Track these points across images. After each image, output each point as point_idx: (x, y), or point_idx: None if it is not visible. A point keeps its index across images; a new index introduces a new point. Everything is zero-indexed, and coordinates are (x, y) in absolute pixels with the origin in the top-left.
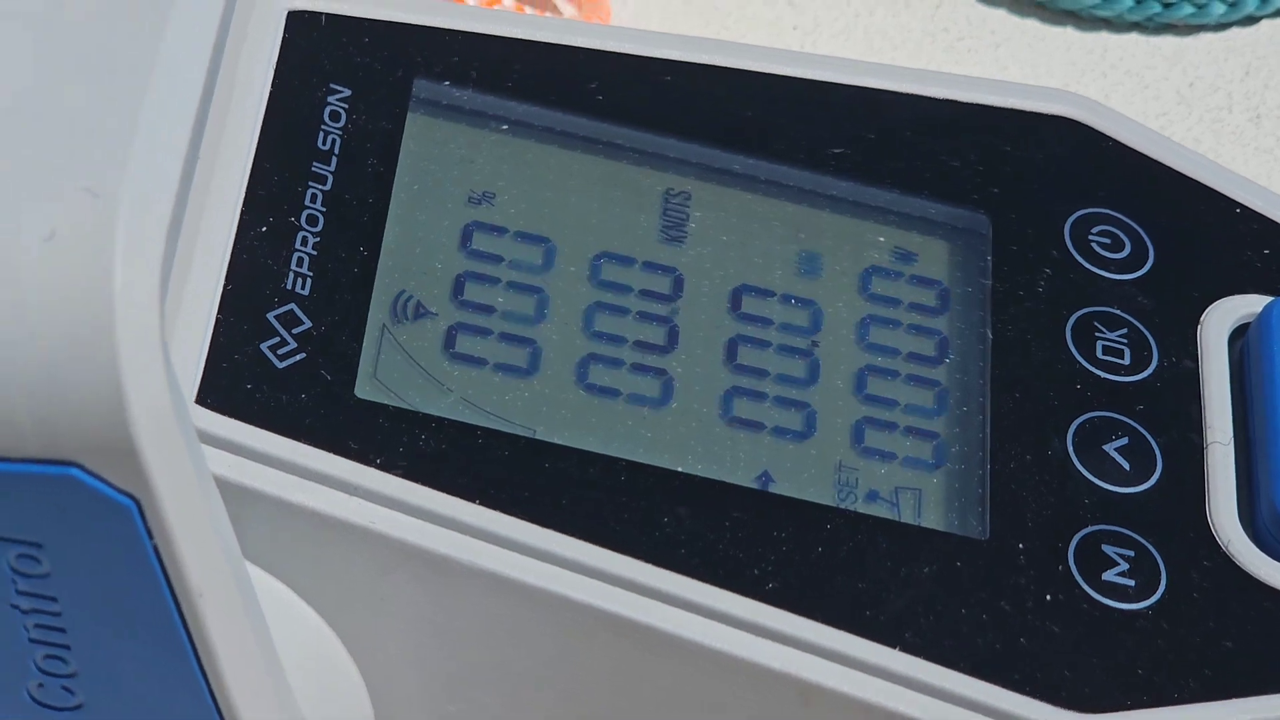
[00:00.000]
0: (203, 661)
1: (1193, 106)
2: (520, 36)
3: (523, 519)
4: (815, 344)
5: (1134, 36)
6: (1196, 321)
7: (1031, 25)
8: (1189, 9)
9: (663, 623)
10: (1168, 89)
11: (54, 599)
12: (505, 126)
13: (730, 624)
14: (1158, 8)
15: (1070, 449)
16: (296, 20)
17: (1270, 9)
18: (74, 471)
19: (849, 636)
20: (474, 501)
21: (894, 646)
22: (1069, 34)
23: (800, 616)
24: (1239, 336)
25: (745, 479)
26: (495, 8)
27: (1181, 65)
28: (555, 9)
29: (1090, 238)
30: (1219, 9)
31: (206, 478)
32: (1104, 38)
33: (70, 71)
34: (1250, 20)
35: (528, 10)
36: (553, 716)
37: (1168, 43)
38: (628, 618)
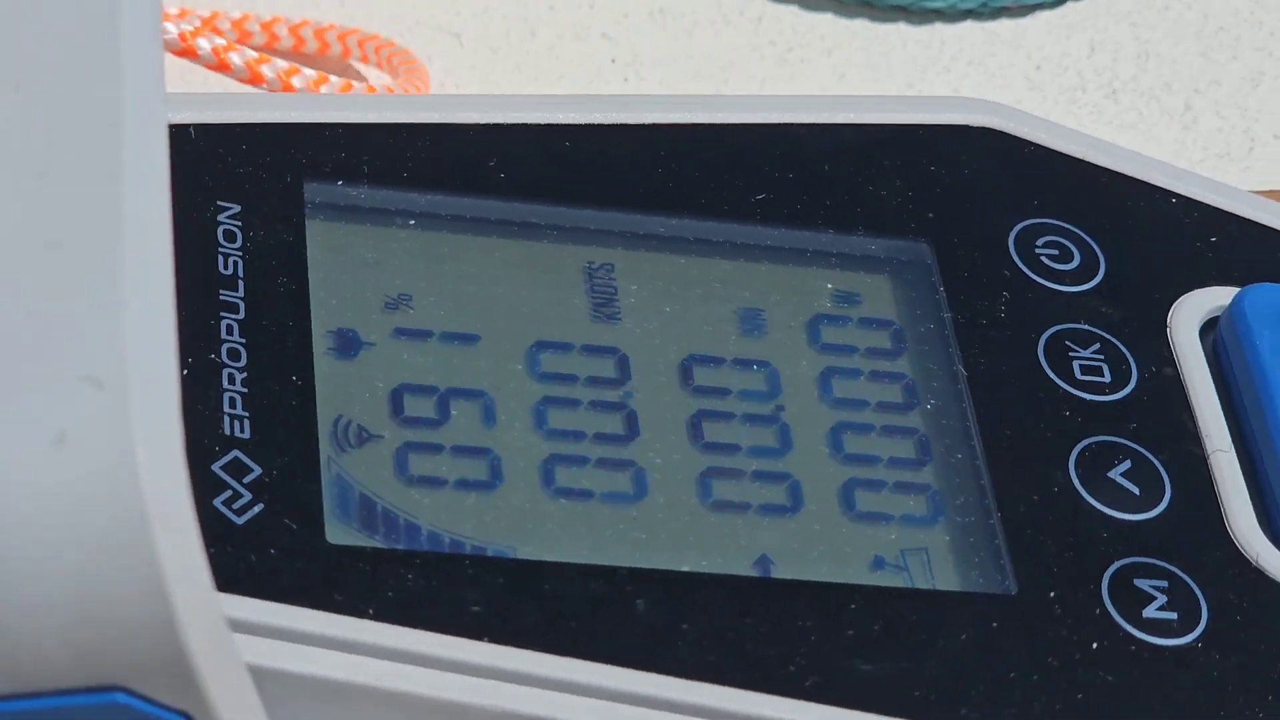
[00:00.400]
0: None
1: (1045, 90)
2: (403, 121)
3: (536, 650)
4: (780, 408)
5: (969, 25)
6: (1164, 324)
7: (861, 26)
8: None
9: None
10: (1015, 75)
11: None
12: (411, 221)
13: None
14: None
15: (1076, 482)
16: (173, 137)
17: None
18: (119, 697)
19: None
20: (481, 639)
21: None
22: (902, 30)
23: (851, 710)
24: (1209, 331)
25: (745, 567)
26: (325, 88)
27: (1024, 49)
28: (364, 80)
29: (1037, 251)
30: None
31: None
32: (939, 30)
33: (29, 237)
34: None
35: (332, 83)
36: None
37: (1005, 27)
38: None
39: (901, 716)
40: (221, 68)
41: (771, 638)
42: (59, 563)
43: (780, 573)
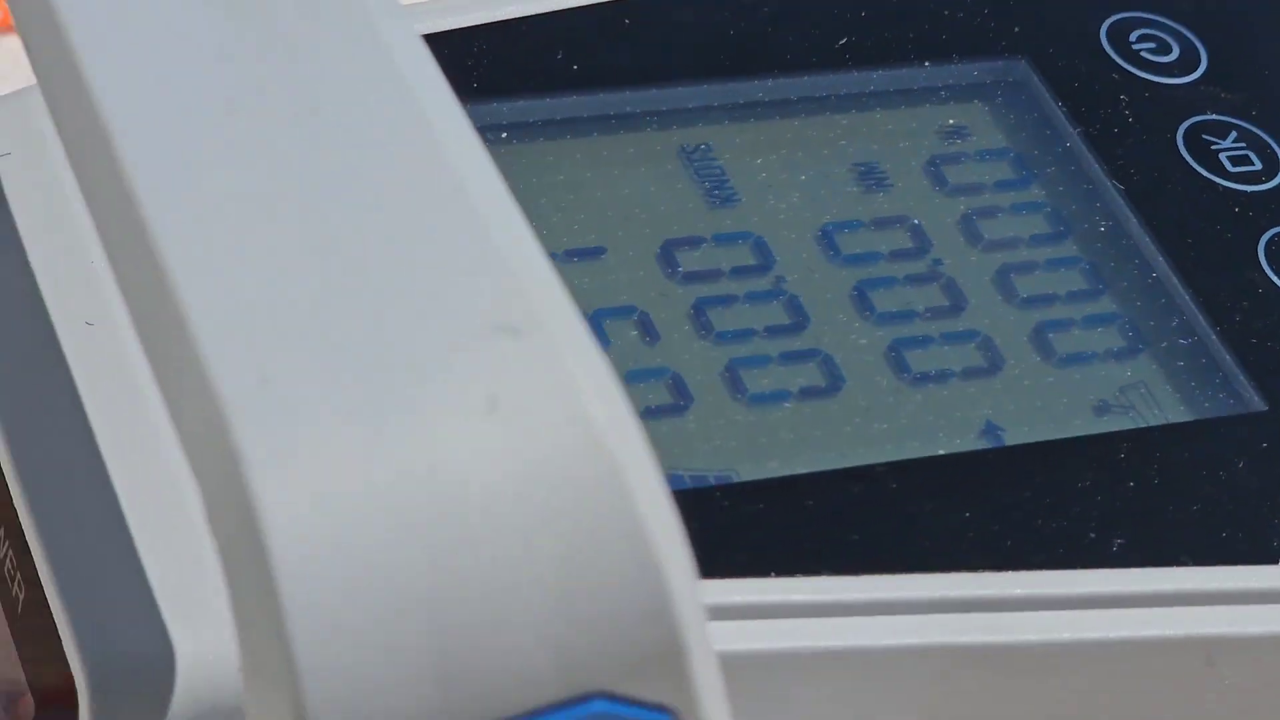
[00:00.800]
0: None
1: None
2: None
3: (819, 574)
4: (937, 262)
5: None
6: None
7: None
8: None
9: (1019, 634)
10: None
11: None
12: (502, 134)
13: (1101, 605)
14: None
15: (1270, 273)
16: None
17: None
18: (600, 705)
19: (1223, 570)
20: (765, 574)
21: (1260, 562)
22: None
23: (1168, 568)
24: None
25: (974, 439)
26: None
27: None
28: None
29: (1135, 47)
30: None
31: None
32: None
33: (365, 192)
34: None
35: None
36: None
37: None
38: (983, 643)
39: (1221, 562)
40: None
41: (1055, 507)
42: (532, 559)
43: (1013, 438)
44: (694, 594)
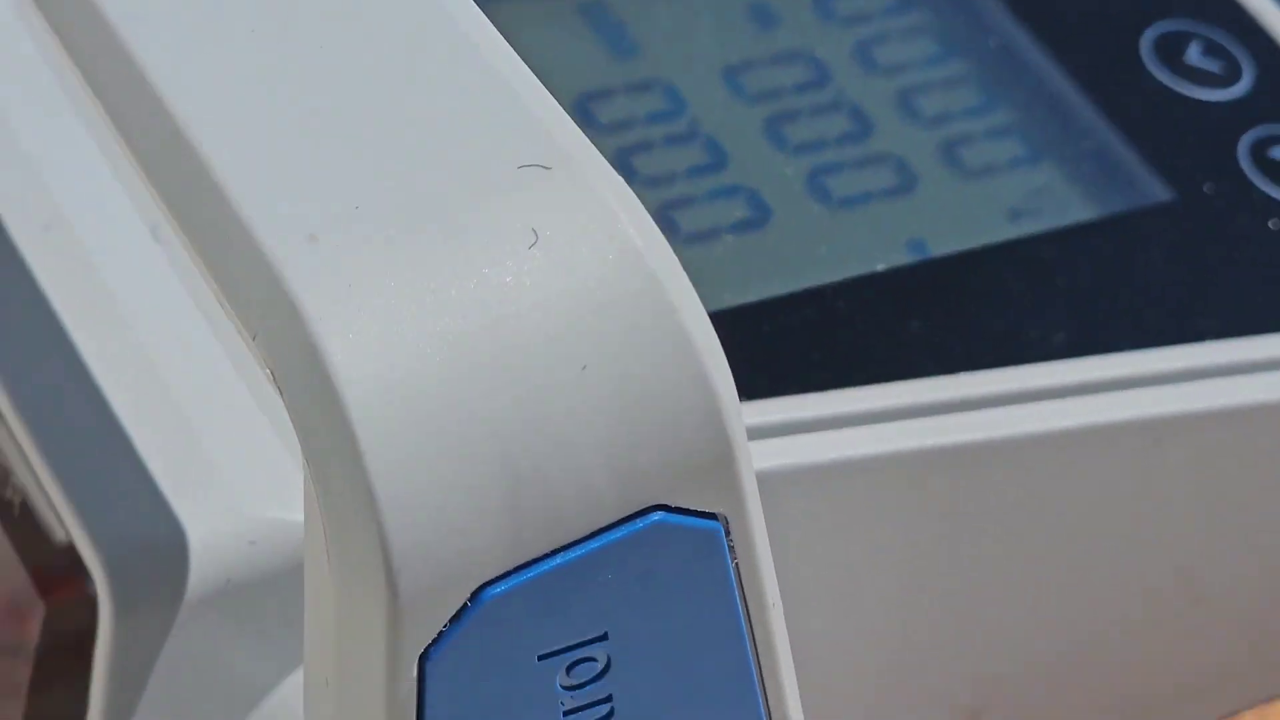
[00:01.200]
0: (765, 677)
1: None
2: None
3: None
4: (840, 91)
5: None
6: None
7: None
8: None
9: (979, 432)
10: None
11: (608, 699)
12: None
13: (1049, 397)
14: None
15: (1156, 71)
16: None
17: None
18: (657, 517)
19: (1141, 354)
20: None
21: (1193, 340)
22: None
23: (1109, 354)
24: None
25: (898, 255)
26: None
27: None
28: None
29: None
30: None
31: None
32: None
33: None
34: None
35: None
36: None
37: None
38: (946, 444)
39: (1159, 344)
40: None
41: (990, 312)
42: (588, 380)
43: (937, 250)
44: (737, 403)
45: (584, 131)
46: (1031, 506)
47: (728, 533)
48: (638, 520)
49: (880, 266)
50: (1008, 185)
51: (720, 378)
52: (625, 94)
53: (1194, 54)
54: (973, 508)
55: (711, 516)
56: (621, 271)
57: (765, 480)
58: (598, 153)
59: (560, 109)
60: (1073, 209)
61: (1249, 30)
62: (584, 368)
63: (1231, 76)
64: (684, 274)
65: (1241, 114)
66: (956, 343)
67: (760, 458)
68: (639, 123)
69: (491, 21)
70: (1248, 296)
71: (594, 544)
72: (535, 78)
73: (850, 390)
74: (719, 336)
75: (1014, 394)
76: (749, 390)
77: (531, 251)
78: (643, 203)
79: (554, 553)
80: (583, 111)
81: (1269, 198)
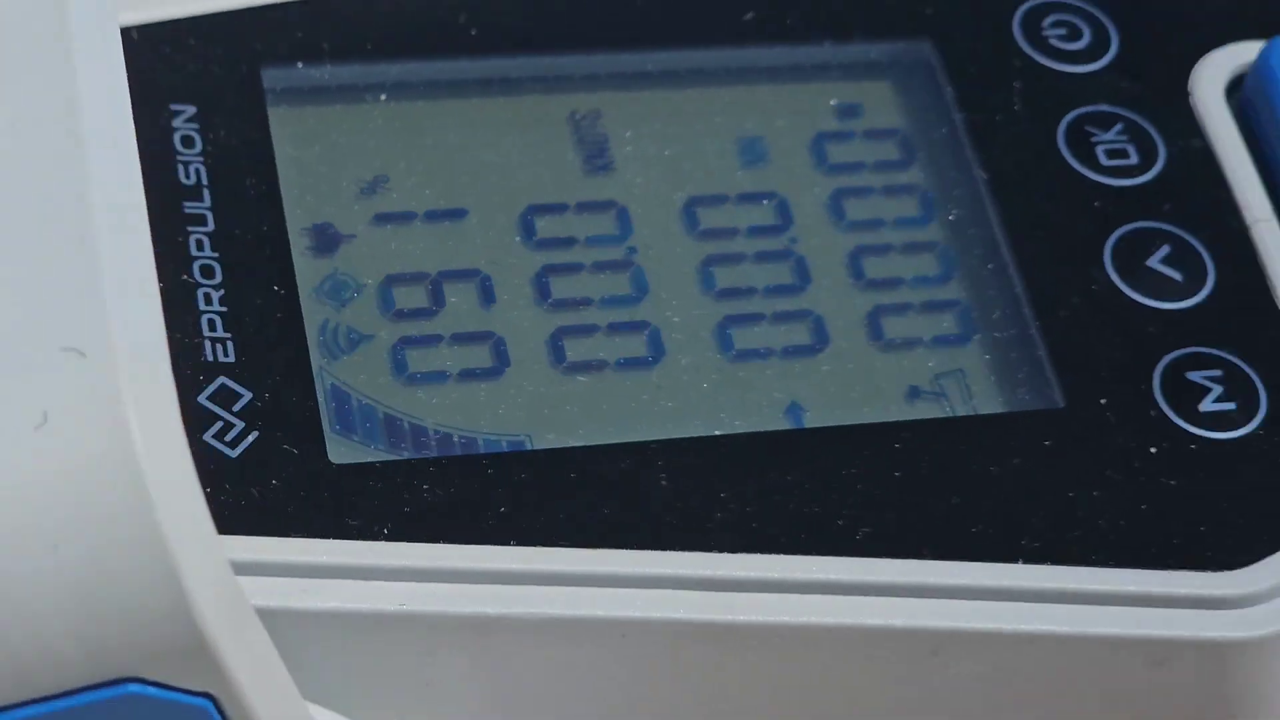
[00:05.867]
0: None
1: None
2: None
3: (561, 546)
4: (794, 240)
5: None
6: (1186, 90)
7: None
8: None
9: (749, 614)
10: None
11: None
12: (381, 95)
13: (832, 591)
14: None
15: (1114, 276)
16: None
17: None
18: (133, 689)
19: (963, 565)
20: (505, 543)
21: (1013, 560)
22: None
23: (906, 560)
24: (1235, 91)
25: (775, 419)
26: None
27: None
28: None
29: (1044, 33)
30: None
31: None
32: None
33: None
34: None
35: None
36: None
37: None
38: (711, 621)
39: (961, 558)
40: None
41: (810, 494)
42: (60, 556)
43: (812, 420)
44: (225, 595)
45: (516, 245)
46: (797, 695)
47: (220, 709)
48: (111, 688)
49: (742, 429)
50: (918, 363)
51: (196, 575)
52: (575, 212)
53: (1156, 259)
54: (726, 692)
55: (202, 694)
56: (111, 466)
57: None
58: (158, 340)
59: (151, 292)
60: (971, 400)
61: (1220, 237)
62: (54, 548)
63: (1191, 287)
64: (190, 476)
65: (1177, 331)
66: (756, 519)
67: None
68: (576, 243)
69: (482, 117)
70: (1085, 523)
71: (63, 703)
72: (148, 252)
73: (630, 552)
74: (535, 474)
75: (785, 582)
76: (515, 536)
77: (36, 433)
78: (540, 326)
79: (23, 704)
80: (525, 224)
81: (1167, 420)
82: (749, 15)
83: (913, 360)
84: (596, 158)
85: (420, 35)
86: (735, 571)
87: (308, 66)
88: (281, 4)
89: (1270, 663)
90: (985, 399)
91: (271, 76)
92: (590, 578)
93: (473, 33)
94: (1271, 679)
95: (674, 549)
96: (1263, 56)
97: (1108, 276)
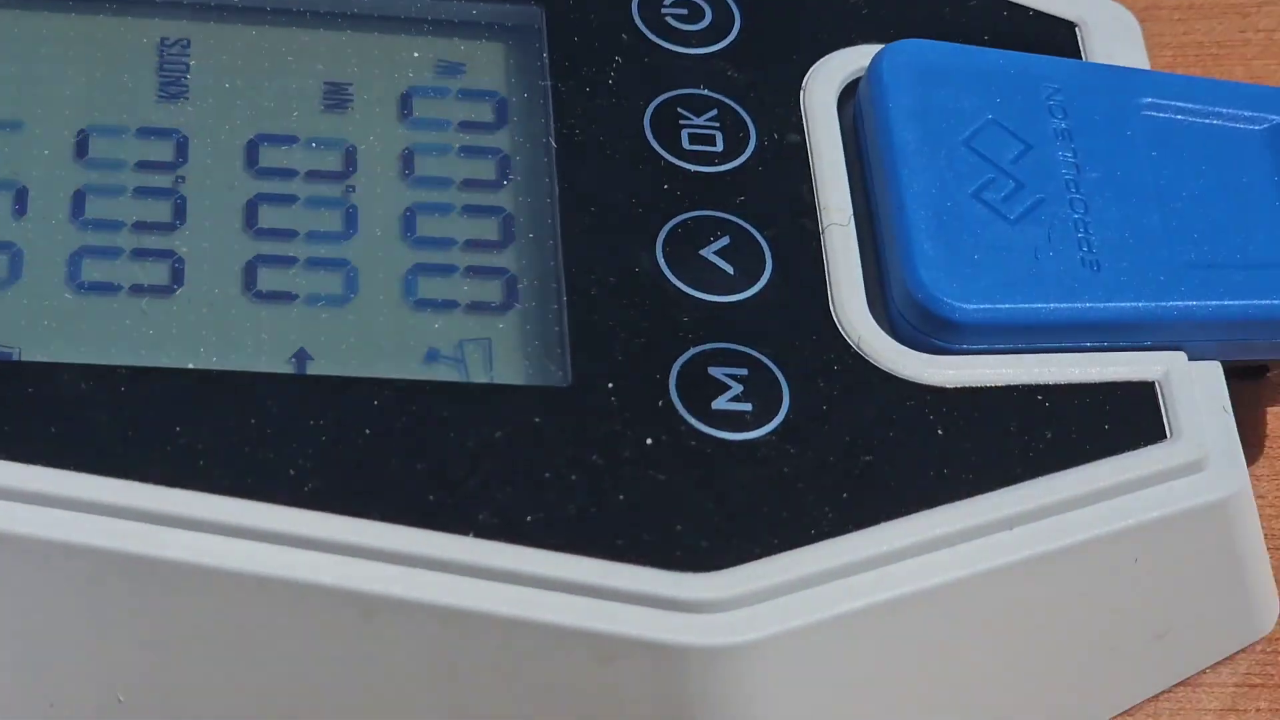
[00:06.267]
0: None
1: None
2: None
3: (34, 464)
4: (351, 189)
5: None
6: (799, 88)
7: None
8: None
9: (179, 552)
10: None
11: None
12: None
13: (262, 539)
14: None
15: (661, 261)
16: None
17: None
18: None
19: (408, 531)
20: None
21: (466, 533)
22: None
23: (346, 518)
24: (849, 98)
25: (277, 363)
26: None
27: None
28: None
29: (664, 11)
30: None
31: None
32: None
33: None
34: None
35: None
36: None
37: None
38: (140, 554)
39: (406, 523)
40: None
41: (276, 439)
42: None
43: (315, 369)
44: None
45: (65, 161)
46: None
47: None
48: None
49: (233, 366)
50: (443, 327)
51: None
52: (135, 136)
53: (712, 249)
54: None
55: None
56: None
57: None
58: None
59: None
60: (486, 369)
61: (788, 235)
62: None
63: (743, 282)
64: None
65: (713, 325)
66: (205, 459)
67: None
68: (125, 166)
69: (68, 34)
70: (553, 506)
71: None
72: None
73: (61, 473)
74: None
75: (205, 522)
76: None
77: None
78: (65, 242)
79: None
80: (79, 142)
81: (673, 412)
82: None
83: (443, 324)
84: (172, 85)
85: None
86: (166, 506)
87: None
88: None
89: (729, 673)
90: (504, 370)
91: None
92: (19, 494)
93: None
94: (731, 689)
95: (111, 476)
96: (874, 61)
97: (655, 261)
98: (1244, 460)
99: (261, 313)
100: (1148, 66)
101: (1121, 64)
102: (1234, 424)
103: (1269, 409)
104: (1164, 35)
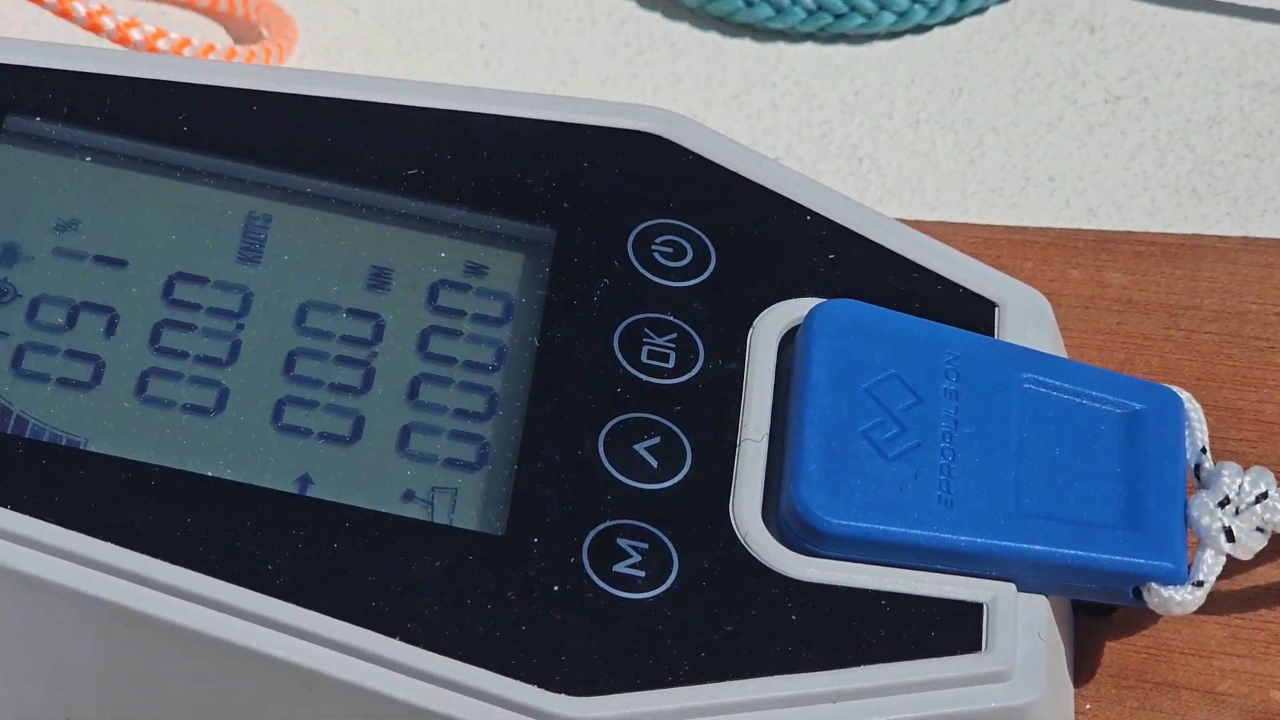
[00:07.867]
0: None
1: (855, 113)
2: (117, 73)
3: (56, 524)
4: (374, 354)
5: (809, 46)
6: (749, 326)
7: (711, 38)
8: (859, 19)
9: (174, 615)
10: (833, 97)
11: None
12: (89, 157)
13: (237, 615)
14: (829, 19)
15: (600, 449)
16: None
17: (940, 16)
18: None
19: (350, 627)
20: (10, 508)
21: (393, 636)
22: (745, 46)
23: (305, 609)
24: (790, 341)
25: (284, 483)
26: (125, 45)
27: (850, 74)
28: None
29: (653, 248)
30: (888, 19)
31: None
32: (779, 48)
33: None
34: (921, 29)
35: (170, 38)
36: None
37: (840, 52)
38: (139, 610)
39: (350, 621)
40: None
41: (264, 540)
42: None
43: (315, 491)
44: None
45: (153, 298)
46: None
47: None
48: None
49: (242, 478)
50: (424, 474)
51: None
52: (212, 286)
53: (644, 445)
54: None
55: None
56: None
57: None
58: None
59: None
60: (450, 516)
61: (710, 444)
62: None
63: (663, 475)
64: None
65: (630, 505)
66: (208, 545)
67: None
68: (199, 309)
69: (173, 196)
70: (467, 625)
71: None
72: None
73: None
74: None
75: (193, 594)
76: None
77: None
78: (142, 361)
79: None
80: (167, 284)
81: (581, 568)
82: (415, 171)
83: (422, 472)
84: (250, 251)
85: (139, 119)
86: (169, 579)
87: (44, 121)
88: (43, 69)
89: None
90: (463, 516)
91: (13, 121)
92: (61, 551)
93: (185, 129)
94: None
95: (131, 549)
96: (810, 314)
97: (595, 447)
98: (1047, 677)
99: (281, 441)
100: (1057, 345)
101: (1029, 342)
102: (1044, 647)
103: (1108, 643)
104: (1100, 322)
